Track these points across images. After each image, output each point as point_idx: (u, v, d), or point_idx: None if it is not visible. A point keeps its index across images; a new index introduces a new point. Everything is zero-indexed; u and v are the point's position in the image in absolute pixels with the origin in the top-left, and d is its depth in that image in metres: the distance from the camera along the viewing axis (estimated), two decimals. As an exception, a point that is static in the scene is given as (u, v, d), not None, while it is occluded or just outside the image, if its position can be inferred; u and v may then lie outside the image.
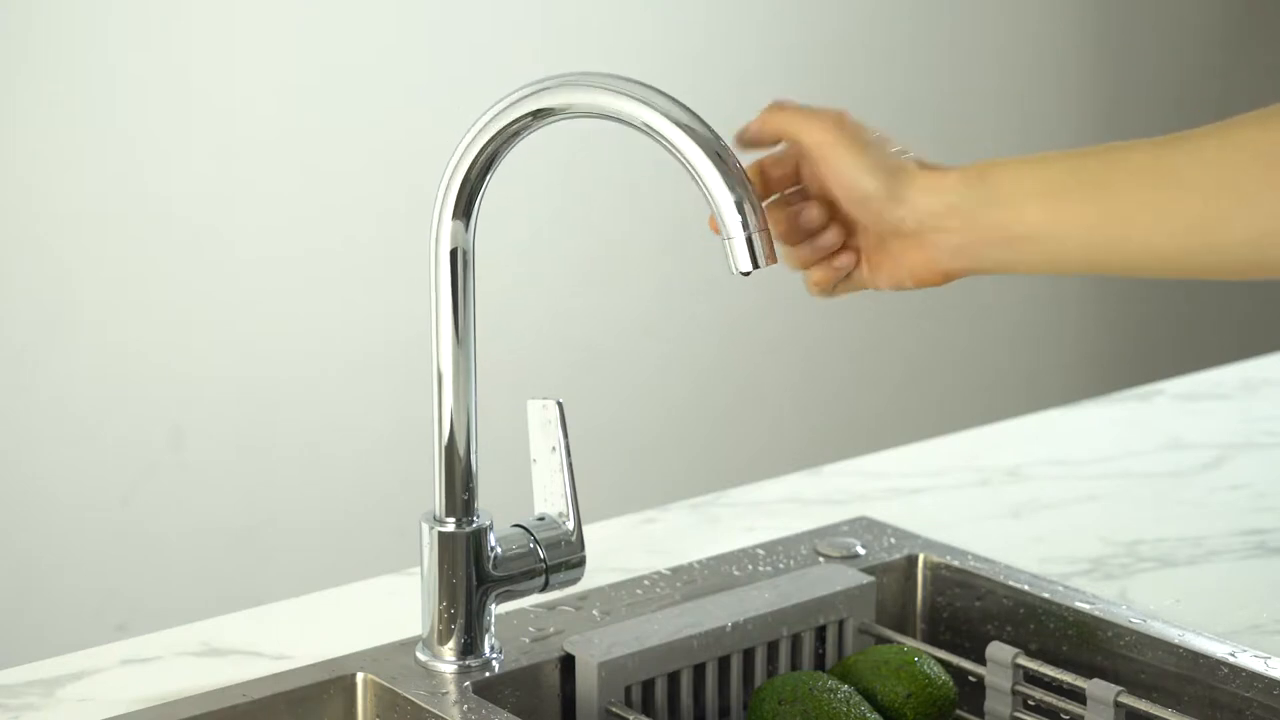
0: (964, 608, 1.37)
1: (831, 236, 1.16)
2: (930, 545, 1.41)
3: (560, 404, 1.22)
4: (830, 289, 1.18)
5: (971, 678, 1.30)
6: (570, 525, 1.23)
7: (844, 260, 1.16)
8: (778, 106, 1.16)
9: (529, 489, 1.24)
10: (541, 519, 1.23)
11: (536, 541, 1.22)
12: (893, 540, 1.42)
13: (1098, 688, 1.21)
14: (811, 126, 1.14)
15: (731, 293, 3.20)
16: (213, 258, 2.77)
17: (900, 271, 1.15)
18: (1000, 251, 1.12)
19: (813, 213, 1.16)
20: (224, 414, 2.81)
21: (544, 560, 1.22)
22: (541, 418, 1.22)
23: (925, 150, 1.15)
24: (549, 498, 1.23)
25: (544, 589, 1.24)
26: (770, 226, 1.10)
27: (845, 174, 1.13)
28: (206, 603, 2.08)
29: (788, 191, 1.17)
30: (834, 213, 1.16)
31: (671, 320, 3.23)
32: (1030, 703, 1.26)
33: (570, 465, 1.22)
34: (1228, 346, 3.63)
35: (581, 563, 1.24)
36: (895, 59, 3.42)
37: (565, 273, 3.13)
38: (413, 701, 1.19)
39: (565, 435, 1.22)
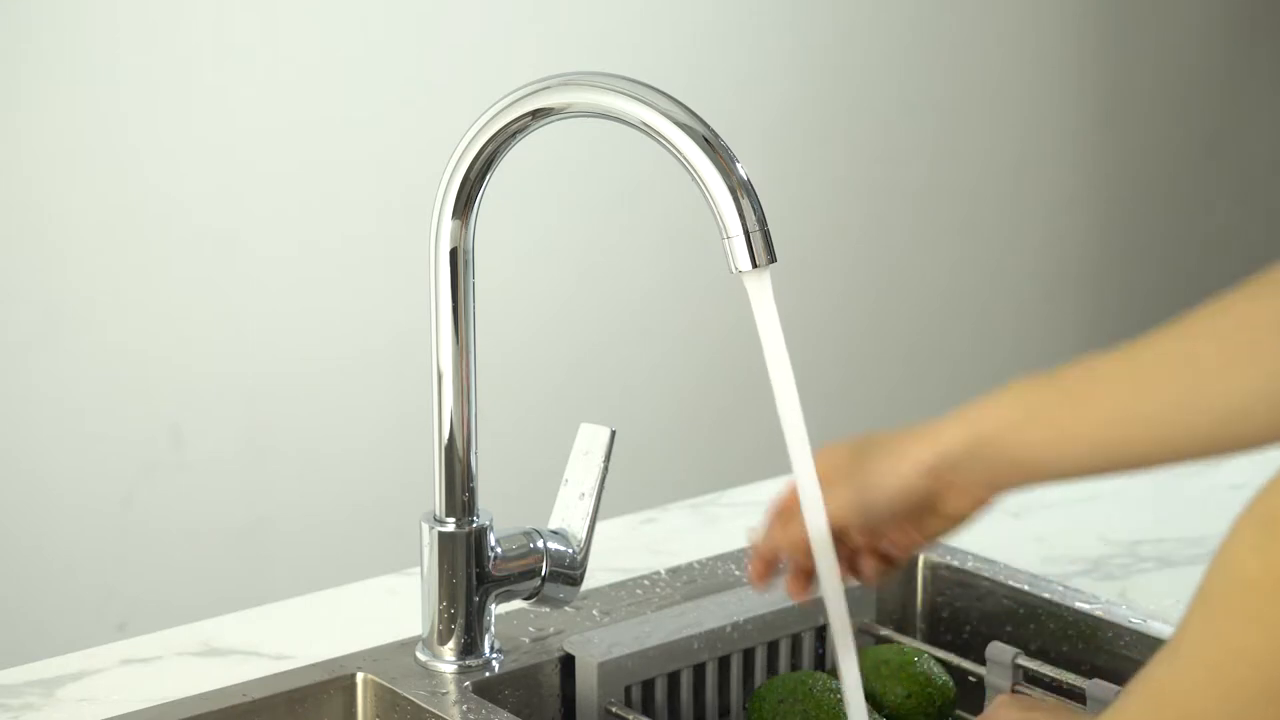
0: (964, 608, 1.37)
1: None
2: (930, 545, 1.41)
3: (613, 433, 1.22)
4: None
5: (971, 678, 1.30)
6: (580, 545, 1.23)
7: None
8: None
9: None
10: (557, 532, 1.23)
11: (545, 547, 1.22)
12: (893, 540, 1.42)
13: (1097, 688, 1.21)
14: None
15: (731, 293, 3.19)
16: (212, 257, 2.77)
17: (929, 530, 1.12)
18: (1013, 477, 1.07)
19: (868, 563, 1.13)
20: (224, 414, 2.81)
21: (544, 564, 1.22)
22: (589, 442, 1.23)
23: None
24: (568, 518, 1.23)
25: (535, 595, 1.23)
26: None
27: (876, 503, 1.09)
28: (206, 603, 2.08)
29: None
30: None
31: (671, 320, 3.23)
32: (1030, 703, 1.26)
33: (600, 494, 1.22)
34: (1228, 346, 3.61)
35: (576, 582, 1.23)
36: (895, 59, 3.42)
37: (565, 273, 3.13)
38: (413, 701, 1.19)
39: (607, 465, 1.22)
